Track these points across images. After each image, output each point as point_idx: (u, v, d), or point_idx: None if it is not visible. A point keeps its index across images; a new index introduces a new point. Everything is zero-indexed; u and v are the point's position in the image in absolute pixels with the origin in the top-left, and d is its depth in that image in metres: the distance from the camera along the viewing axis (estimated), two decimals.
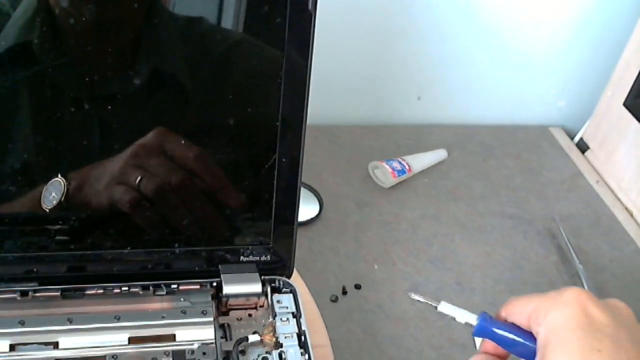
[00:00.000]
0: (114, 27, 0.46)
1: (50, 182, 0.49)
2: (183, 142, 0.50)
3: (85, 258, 0.52)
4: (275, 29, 0.46)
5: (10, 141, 0.48)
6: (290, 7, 0.46)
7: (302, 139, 0.51)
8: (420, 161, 0.88)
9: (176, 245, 0.53)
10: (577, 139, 1.00)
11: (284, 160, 0.51)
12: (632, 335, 0.37)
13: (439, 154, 0.91)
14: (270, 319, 0.53)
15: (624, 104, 0.89)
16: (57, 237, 0.51)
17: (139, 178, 0.50)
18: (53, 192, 0.50)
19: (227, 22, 0.47)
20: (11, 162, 0.49)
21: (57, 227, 0.51)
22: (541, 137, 1.00)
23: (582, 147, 0.98)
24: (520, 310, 0.41)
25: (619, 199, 0.89)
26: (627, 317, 0.39)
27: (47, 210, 0.50)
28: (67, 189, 0.50)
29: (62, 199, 0.50)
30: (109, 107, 0.49)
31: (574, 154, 0.97)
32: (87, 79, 0.47)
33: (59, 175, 0.49)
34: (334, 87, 0.91)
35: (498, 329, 0.42)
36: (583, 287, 0.71)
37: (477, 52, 0.96)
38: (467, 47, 0.95)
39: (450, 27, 0.93)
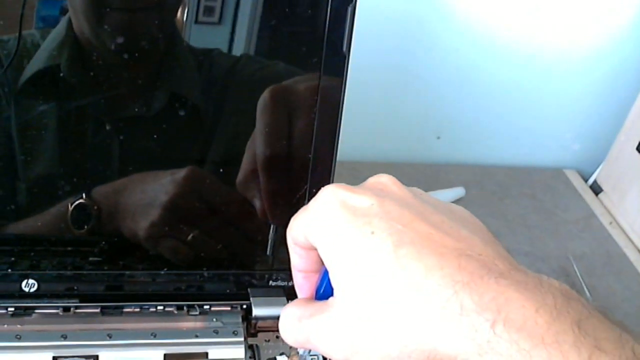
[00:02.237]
0: (136, 56, 0.49)
1: (76, 203, 0.52)
2: (217, 183, 0.53)
3: (121, 279, 0.55)
4: (310, 68, 0.50)
5: (35, 161, 0.51)
6: (327, 48, 0.49)
7: (332, 172, 0.54)
8: (438, 198, 0.90)
9: (207, 269, 0.56)
10: (590, 181, 1.03)
11: (314, 191, 0.54)
12: (400, 200, 0.35)
13: (457, 192, 0.93)
14: None
15: (637, 149, 0.92)
16: (90, 259, 0.54)
17: (191, 235, 0.53)
18: (82, 216, 0.52)
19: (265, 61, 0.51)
20: (37, 181, 0.51)
21: (89, 249, 0.54)
22: (556, 178, 1.03)
23: (596, 189, 1.00)
24: (296, 235, 0.37)
25: (631, 240, 0.91)
26: (388, 186, 0.36)
27: (77, 233, 0.52)
28: (97, 214, 0.52)
29: (93, 224, 0.52)
30: (130, 129, 0.51)
31: (588, 195, 0.99)
32: (109, 100, 0.50)
33: (84, 197, 0.52)
34: (356, 125, 0.94)
35: None
36: None
37: (495, 95, 0.99)
38: (486, 90, 0.98)
39: (470, 71, 0.96)
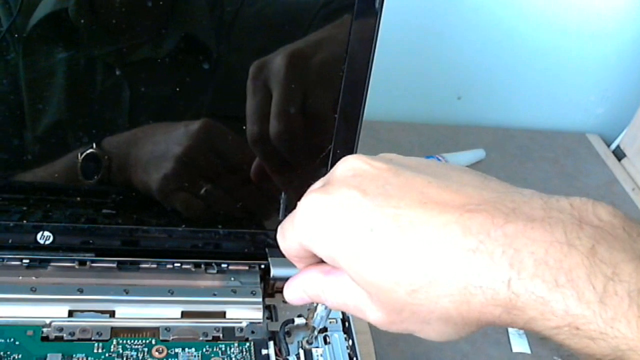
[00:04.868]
0: None
1: (86, 153, 0.50)
2: (232, 137, 0.51)
3: (136, 234, 0.54)
4: (341, 23, 0.48)
5: (44, 108, 0.49)
6: (358, 4, 0.47)
7: (358, 133, 0.52)
8: (458, 160, 0.89)
9: (222, 227, 0.55)
10: (614, 146, 1.01)
11: (338, 152, 0.53)
12: (378, 179, 0.32)
13: (477, 154, 0.92)
14: (315, 304, 0.55)
15: None
16: (104, 211, 0.53)
17: (204, 188, 0.52)
18: (92, 166, 0.51)
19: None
20: (46, 130, 0.50)
21: (101, 200, 0.53)
22: (578, 143, 1.01)
23: (619, 154, 0.98)
24: (289, 249, 0.36)
25: None
26: (359, 170, 0.33)
27: (88, 183, 0.51)
28: (108, 165, 0.51)
29: (103, 174, 0.51)
30: (140, 74, 0.49)
31: (611, 160, 0.97)
32: (118, 44, 0.48)
33: (94, 146, 0.50)
34: (376, 84, 0.92)
35: None
36: None
37: (518, 56, 0.97)
38: (509, 51, 0.96)
39: (493, 30, 0.94)
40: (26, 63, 0.48)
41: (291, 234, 0.34)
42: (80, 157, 0.51)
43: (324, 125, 0.52)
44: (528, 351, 0.66)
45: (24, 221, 0.52)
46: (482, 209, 0.29)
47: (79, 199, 0.52)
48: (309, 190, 0.34)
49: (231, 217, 0.55)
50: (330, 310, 0.43)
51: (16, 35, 0.47)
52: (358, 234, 0.31)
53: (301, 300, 0.38)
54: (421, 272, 0.30)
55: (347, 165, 0.34)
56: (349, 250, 0.31)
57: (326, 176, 0.35)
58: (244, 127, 0.51)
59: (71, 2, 0.46)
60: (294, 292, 0.38)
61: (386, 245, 0.30)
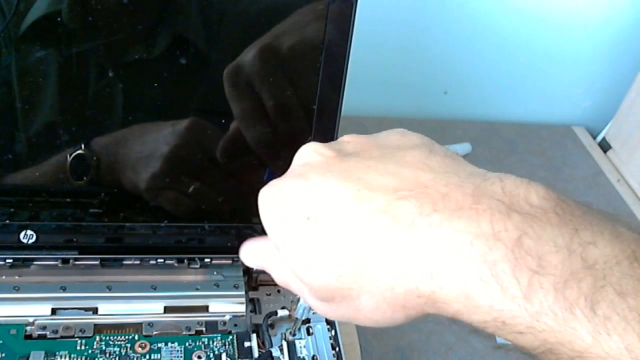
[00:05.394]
0: None
1: (75, 153, 0.51)
2: (219, 134, 0.51)
3: (121, 231, 0.54)
4: (316, 15, 0.48)
5: (36, 110, 0.49)
6: None
7: (337, 123, 0.52)
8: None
9: (208, 222, 0.55)
10: (599, 138, 1.01)
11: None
12: (321, 167, 0.33)
13: (463, 148, 0.92)
14: (298, 296, 0.55)
15: None
16: (91, 210, 0.53)
17: (192, 187, 0.52)
18: (81, 166, 0.51)
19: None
20: (37, 131, 0.50)
21: (89, 200, 0.53)
22: (565, 135, 1.01)
23: (605, 146, 0.99)
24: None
25: (639, 198, 0.90)
26: (309, 159, 0.34)
27: (76, 184, 0.51)
28: (96, 165, 0.51)
29: (92, 175, 0.51)
30: (131, 76, 0.50)
31: (596, 152, 0.98)
32: (110, 45, 0.48)
33: (83, 147, 0.50)
34: (362, 79, 0.93)
35: None
36: None
37: (504, 50, 0.97)
38: (495, 45, 0.96)
39: (479, 24, 0.94)
40: (19, 65, 0.48)
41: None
42: (69, 158, 0.51)
43: (304, 117, 0.52)
44: None
45: (8, 221, 0.52)
46: (412, 195, 0.29)
47: (66, 199, 0.52)
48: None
49: (218, 212, 0.55)
50: None
51: (9, 37, 0.47)
52: (295, 222, 0.32)
53: (253, 264, 0.40)
54: (348, 258, 0.30)
55: (300, 154, 0.35)
56: (287, 239, 0.32)
57: None
58: (230, 123, 0.51)
59: (64, 4, 0.47)
60: (249, 255, 0.40)
61: (319, 234, 0.31)
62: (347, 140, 0.35)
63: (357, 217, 0.30)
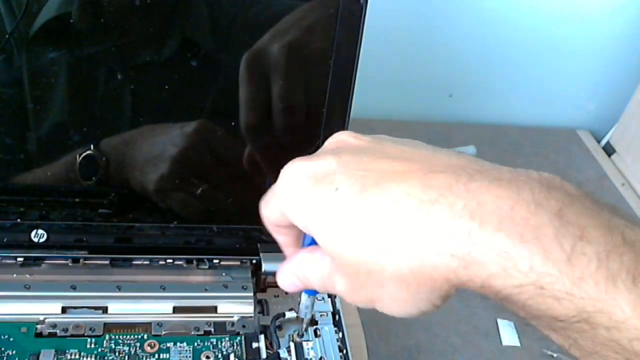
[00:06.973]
0: (148, 1, 0.48)
1: (85, 154, 0.51)
2: (227, 137, 0.52)
3: (130, 231, 0.55)
4: (327, 17, 0.49)
5: (46, 111, 0.50)
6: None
7: (346, 127, 0.53)
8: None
9: (217, 224, 0.56)
10: (604, 142, 1.02)
11: None
12: (357, 149, 0.33)
13: (468, 150, 0.92)
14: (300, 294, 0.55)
15: None
16: (100, 210, 0.54)
17: (200, 189, 0.52)
18: (90, 167, 0.51)
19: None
20: (47, 131, 0.51)
21: (98, 200, 0.53)
22: (569, 139, 1.01)
23: (609, 150, 0.99)
24: (270, 216, 0.36)
25: None
26: (345, 140, 0.34)
27: (85, 184, 0.52)
28: (105, 166, 0.51)
29: (101, 175, 0.52)
30: (141, 78, 0.50)
31: (601, 156, 0.98)
32: (120, 48, 0.49)
33: (92, 147, 0.51)
34: (370, 82, 0.93)
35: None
36: None
37: (509, 54, 0.97)
38: (500, 49, 0.97)
39: (484, 28, 0.94)
40: (29, 66, 0.48)
41: (273, 200, 0.34)
42: (78, 158, 0.51)
43: (315, 116, 0.52)
44: (518, 344, 0.66)
45: (19, 220, 0.52)
46: (447, 170, 0.29)
47: (76, 199, 0.53)
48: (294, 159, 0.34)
49: (225, 214, 0.55)
50: (314, 300, 0.44)
51: (21, 38, 0.47)
52: (324, 195, 0.31)
53: (293, 285, 0.37)
54: (376, 226, 0.29)
55: (334, 139, 0.35)
56: (316, 213, 0.31)
57: None
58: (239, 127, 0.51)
59: (74, 6, 0.47)
60: (286, 277, 0.37)
61: (347, 203, 0.30)
62: (381, 136, 0.35)
63: (388, 187, 0.30)
